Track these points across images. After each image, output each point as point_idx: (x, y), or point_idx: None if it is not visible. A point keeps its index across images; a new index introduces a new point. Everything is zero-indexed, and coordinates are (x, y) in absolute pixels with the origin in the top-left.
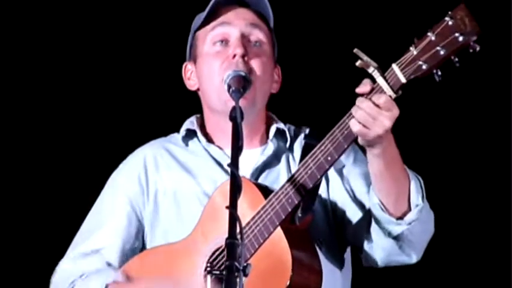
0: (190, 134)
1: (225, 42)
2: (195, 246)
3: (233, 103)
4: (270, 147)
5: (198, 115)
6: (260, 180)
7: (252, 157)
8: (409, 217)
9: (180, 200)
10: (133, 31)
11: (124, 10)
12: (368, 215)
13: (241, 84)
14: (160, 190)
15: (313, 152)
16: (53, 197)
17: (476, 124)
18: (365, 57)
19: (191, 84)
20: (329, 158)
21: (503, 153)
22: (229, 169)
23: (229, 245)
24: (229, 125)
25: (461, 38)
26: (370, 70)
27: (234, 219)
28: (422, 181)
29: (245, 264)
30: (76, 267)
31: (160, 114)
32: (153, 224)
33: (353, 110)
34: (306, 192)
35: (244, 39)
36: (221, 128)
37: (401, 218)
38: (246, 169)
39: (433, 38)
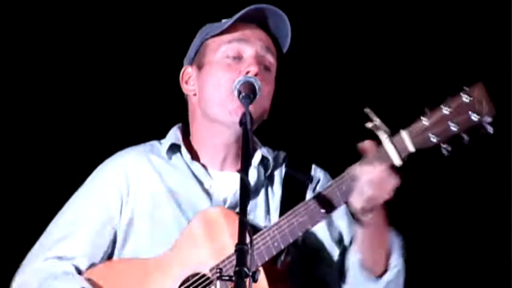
0: (174, 149)
1: (238, 58)
2: (169, 267)
3: (236, 113)
4: (254, 174)
5: (180, 125)
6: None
7: (234, 180)
8: (387, 277)
9: (156, 218)
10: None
11: (120, 13)
12: (345, 266)
13: (251, 91)
14: (138, 203)
15: (309, 199)
16: (50, 196)
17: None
18: (376, 119)
19: (188, 88)
20: (323, 211)
21: (503, 154)
22: (210, 189)
23: (239, 251)
24: (221, 137)
25: (475, 119)
26: (380, 134)
27: (244, 225)
28: (402, 241)
29: (254, 270)
30: (48, 268)
31: (147, 117)
32: (127, 232)
33: (356, 185)
34: (293, 240)
35: (259, 58)
36: (210, 142)
37: (379, 276)
38: (225, 192)
39: (447, 113)
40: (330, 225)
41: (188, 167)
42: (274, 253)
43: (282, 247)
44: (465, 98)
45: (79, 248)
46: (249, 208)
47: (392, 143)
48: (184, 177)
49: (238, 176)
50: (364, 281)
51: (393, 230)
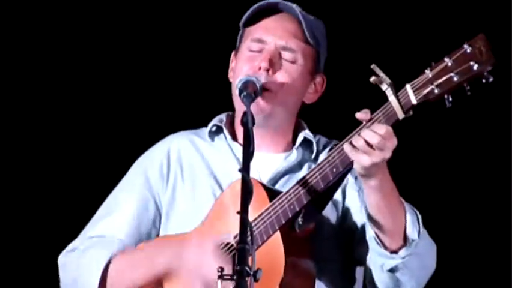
0: (218, 130)
1: (259, 51)
2: (203, 234)
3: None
4: (294, 154)
5: (230, 113)
6: (278, 186)
7: (274, 162)
8: (403, 252)
9: (197, 193)
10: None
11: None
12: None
13: (253, 89)
14: (179, 180)
15: (321, 161)
16: (58, 197)
17: (476, 124)
18: (381, 74)
19: (230, 75)
20: (334, 170)
21: (503, 154)
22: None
23: (240, 250)
24: (259, 127)
25: (476, 67)
26: (383, 87)
27: (245, 224)
28: (419, 215)
29: (256, 269)
30: (92, 242)
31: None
32: (168, 213)
33: (354, 140)
34: (308, 201)
35: (277, 52)
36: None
37: (395, 251)
38: (266, 172)
39: (449, 64)
40: (355, 212)
41: (230, 147)
42: (290, 215)
43: (297, 209)
44: (467, 49)
45: (121, 226)
46: (291, 184)
47: (396, 96)
48: (225, 158)
49: (277, 157)
50: (380, 256)
51: (407, 205)
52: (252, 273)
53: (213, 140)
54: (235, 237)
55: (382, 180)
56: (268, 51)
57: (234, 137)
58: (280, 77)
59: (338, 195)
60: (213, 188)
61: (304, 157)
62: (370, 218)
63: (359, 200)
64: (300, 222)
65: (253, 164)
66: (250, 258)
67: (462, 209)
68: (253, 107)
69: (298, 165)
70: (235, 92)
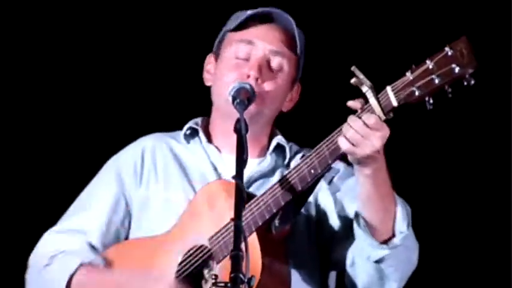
0: (193, 133)
1: (246, 59)
2: (172, 243)
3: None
4: (267, 160)
5: (205, 117)
6: (251, 190)
7: (248, 166)
8: (392, 243)
9: (170, 195)
10: (141, 27)
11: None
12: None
13: (246, 96)
14: (152, 181)
15: (298, 163)
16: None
17: (476, 125)
18: (361, 76)
19: (207, 78)
20: (312, 171)
21: (503, 154)
22: (222, 173)
23: (234, 257)
24: (230, 124)
25: (457, 70)
26: (364, 89)
27: (239, 230)
28: (409, 209)
29: (250, 276)
30: (59, 241)
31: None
32: (140, 213)
33: (344, 129)
34: (285, 202)
35: (265, 61)
36: (223, 129)
37: (384, 242)
38: None
39: (430, 66)
40: (343, 209)
41: (205, 150)
42: (267, 217)
43: (274, 211)
44: (448, 51)
45: (93, 222)
46: (264, 189)
47: (376, 98)
48: (200, 161)
49: (250, 162)
50: (369, 246)
51: (398, 198)
52: (246, 280)
53: (188, 142)
54: (209, 239)
55: (377, 170)
56: (257, 59)
57: (210, 140)
58: (268, 85)
59: (310, 200)
60: (186, 190)
61: (277, 163)
62: (361, 206)
63: (335, 203)
64: (277, 224)
65: (228, 168)
66: (244, 265)
67: (462, 209)
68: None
69: (271, 171)
70: (222, 96)
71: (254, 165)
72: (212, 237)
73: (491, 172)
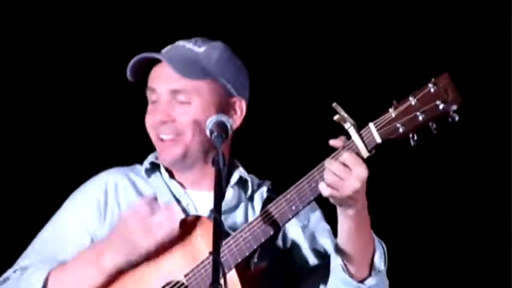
0: (153, 168)
1: (157, 102)
2: (145, 280)
3: (162, 157)
4: (230, 193)
5: None
6: None
7: (210, 201)
8: (369, 282)
9: None
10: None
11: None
12: (327, 274)
13: (224, 130)
14: (116, 219)
15: (277, 200)
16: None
17: (476, 124)
18: (343, 113)
19: None
20: (293, 208)
21: (503, 154)
22: (187, 208)
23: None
24: (182, 165)
25: (441, 106)
26: (346, 126)
27: (217, 264)
28: (385, 248)
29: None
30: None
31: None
32: None
33: (324, 173)
34: (265, 239)
35: (171, 99)
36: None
37: (361, 281)
38: (202, 211)
39: (413, 103)
40: (314, 241)
41: (167, 185)
42: (247, 253)
43: (254, 247)
44: (431, 88)
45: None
46: (228, 223)
47: (359, 134)
48: (163, 196)
49: (210, 195)
50: (346, 285)
51: (375, 237)
52: None
53: (149, 176)
54: (186, 276)
55: (359, 209)
56: (160, 102)
57: (171, 175)
58: (182, 119)
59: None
60: None
61: (240, 196)
62: (340, 245)
63: (304, 235)
64: (256, 260)
65: (191, 203)
66: None
67: (462, 209)
68: (166, 152)
69: (235, 204)
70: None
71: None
72: (188, 273)
73: (491, 172)
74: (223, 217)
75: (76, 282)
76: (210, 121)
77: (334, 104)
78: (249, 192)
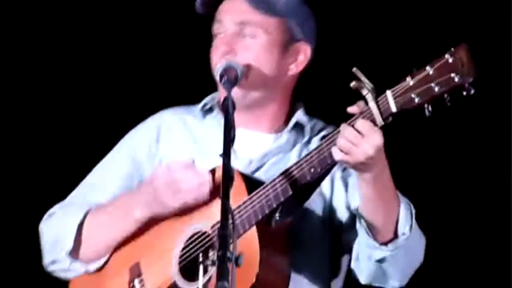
0: (210, 108)
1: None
2: (176, 228)
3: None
4: (284, 137)
5: None
6: (266, 167)
7: (264, 142)
8: (392, 245)
9: None
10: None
11: None
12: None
13: (234, 74)
14: (166, 159)
15: (300, 159)
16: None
17: (476, 124)
18: (363, 77)
19: None
20: (312, 170)
21: (503, 154)
22: (237, 149)
23: (222, 236)
24: (241, 104)
25: (456, 79)
26: (364, 92)
27: (226, 209)
28: (413, 210)
29: (238, 254)
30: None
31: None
32: None
33: (338, 137)
34: (285, 198)
35: (236, 32)
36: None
37: (385, 243)
38: (255, 152)
39: (431, 72)
40: (352, 199)
41: (220, 125)
42: (267, 211)
43: (274, 206)
44: (449, 59)
45: (105, 200)
46: (279, 167)
47: (376, 102)
48: (215, 136)
49: (265, 137)
50: (369, 247)
51: (403, 199)
52: (233, 258)
53: (204, 117)
54: (212, 227)
55: (377, 174)
56: (226, 34)
57: None
58: (244, 55)
59: (326, 187)
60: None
61: (296, 140)
62: (361, 208)
63: (346, 193)
64: (277, 218)
65: (243, 143)
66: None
67: (462, 209)
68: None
69: (288, 149)
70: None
71: (270, 142)
72: (214, 225)
73: (491, 172)
74: (275, 159)
75: (109, 225)
76: (220, 66)
77: (354, 69)
78: (307, 137)
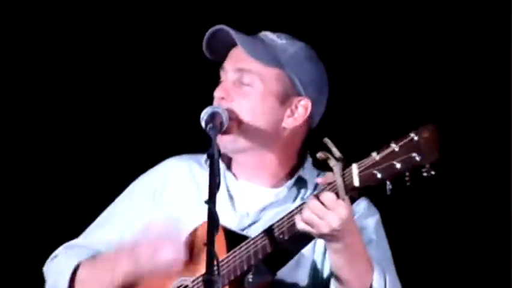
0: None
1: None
2: (157, 283)
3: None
4: (284, 192)
5: None
6: (262, 221)
7: (264, 195)
8: None
9: (184, 225)
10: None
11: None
12: None
13: (218, 120)
14: (170, 208)
15: (272, 224)
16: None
17: (476, 124)
18: (334, 148)
19: None
20: (281, 236)
21: (503, 154)
22: (236, 202)
23: (207, 282)
24: (236, 156)
25: (418, 159)
26: (331, 163)
27: (211, 256)
28: (387, 277)
29: None
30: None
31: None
32: None
33: (303, 208)
34: (256, 261)
35: (235, 79)
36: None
37: None
38: (253, 205)
39: (396, 149)
40: (317, 264)
41: (224, 176)
42: (239, 273)
43: (245, 268)
44: (414, 137)
45: (105, 241)
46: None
47: (342, 175)
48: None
49: (269, 191)
50: None
51: (376, 266)
52: None
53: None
54: (193, 281)
55: (346, 244)
56: (225, 80)
57: (229, 166)
58: (239, 103)
59: (307, 249)
60: (201, 217)
61: (298, 195)
62: (333, 275)
63: (323, 255)
64: (250, 280)
65: (243, 195)
66: None
67: (462, 209)
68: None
69: (288, 203)
70: None
71: (270, 196)
72: (196, 278)
73: (491, 173)
74: (273, 213)
75: (96, 279)
76: (205, 112)
77: (325, 139)
78: (309, 191)
